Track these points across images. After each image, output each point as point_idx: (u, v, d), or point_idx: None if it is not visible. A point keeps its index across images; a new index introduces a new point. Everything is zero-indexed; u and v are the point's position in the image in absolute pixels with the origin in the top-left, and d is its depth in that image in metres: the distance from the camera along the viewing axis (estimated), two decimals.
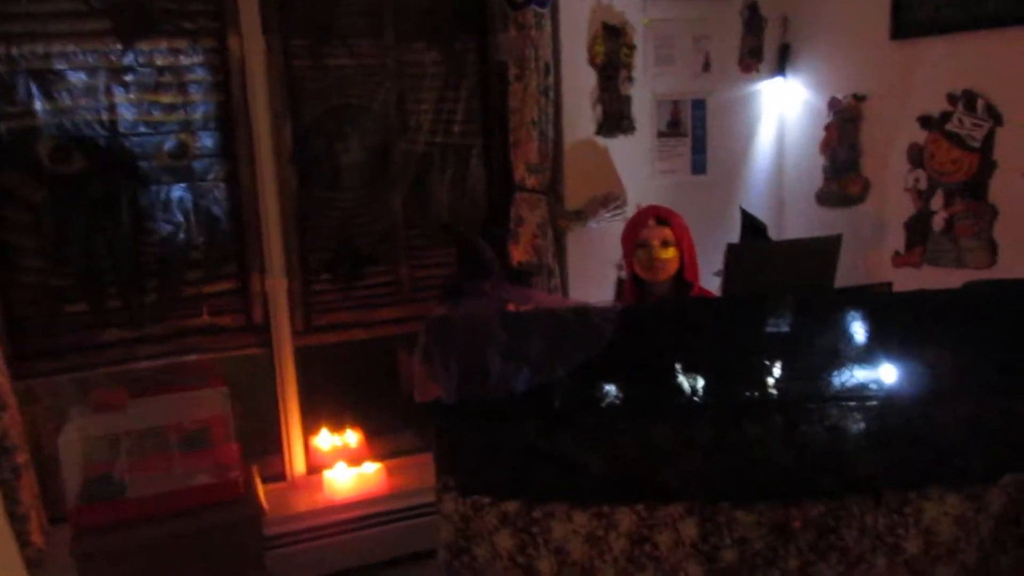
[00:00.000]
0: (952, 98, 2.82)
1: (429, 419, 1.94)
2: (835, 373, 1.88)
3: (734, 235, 3.27)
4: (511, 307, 1.93)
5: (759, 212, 3.36)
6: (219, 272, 3.01)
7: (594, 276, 3.24)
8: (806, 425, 1.91)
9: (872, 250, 3.19)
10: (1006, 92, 2.66)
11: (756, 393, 1.89)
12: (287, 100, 2.97)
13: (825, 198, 3.42)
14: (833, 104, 3.32)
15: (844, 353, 1.89)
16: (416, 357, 1.89)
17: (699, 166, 3.48)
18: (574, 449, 1.91)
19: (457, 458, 1.94)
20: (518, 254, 3.10)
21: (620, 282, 3.26)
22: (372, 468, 3.21)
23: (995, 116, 2.70)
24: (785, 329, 1.88)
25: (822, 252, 1.87)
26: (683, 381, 1.89)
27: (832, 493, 1.89)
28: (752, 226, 3.18)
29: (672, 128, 3.42)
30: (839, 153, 3.32)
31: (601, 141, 3.27)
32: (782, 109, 3.58)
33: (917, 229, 3.02)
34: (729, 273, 1.88)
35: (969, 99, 2.75)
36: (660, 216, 2.41)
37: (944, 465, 1.91)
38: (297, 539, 2.95)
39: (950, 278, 2.87)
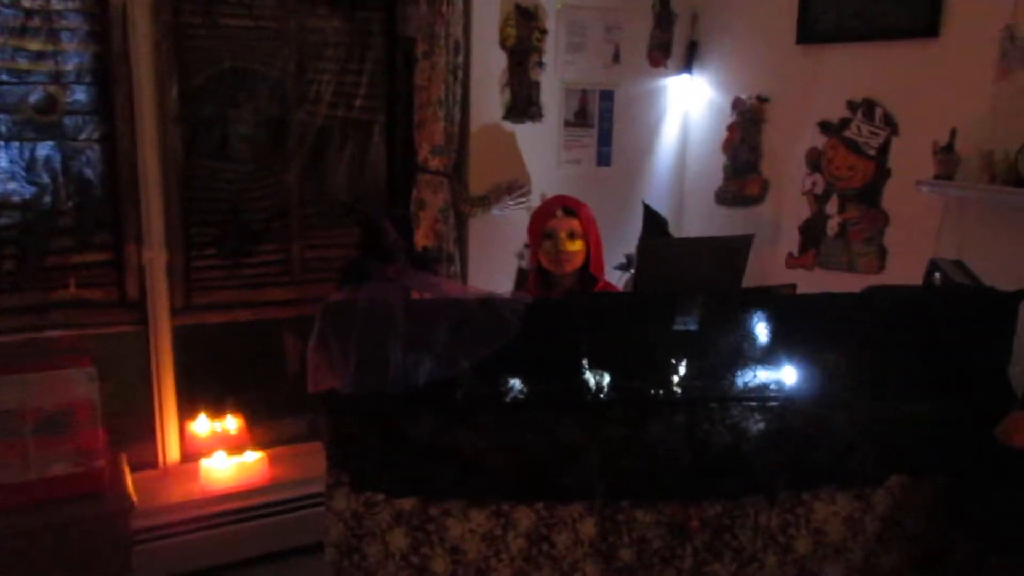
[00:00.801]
0: (852, 105, 2.90)
1: (322, 410, 1.81)
2: (738, 373, 1.89)
3: (636, 229, 3.28)
4: (414, 294, 1.82)
5: (660, 207, 3.39)
6: (90, 241, 2.77)
7: (495, 265, 3.20)
8: (708, 424, 1.91)
9: (767, 251, 3.25)
10: (903, 102, 2.75)
11: (661, 391, 1.88)
12: (174, 58, 2.75)
13: (724, 197, 3.46)
14: (737, 104, 3.36)
15: (748, 353, 1.90)
16: (311, 343, 1.77)
17: (604, 158, 3.46)
18: (475, 446, 1.85)
19: (351, 452, 1.83)
20: (419, 238, 2.99)
21: (520, 272, 3.22)
22: (253, 457, 3.04)
23: (892, 125, 2.78)
24: (693, 328, 1.87)
25: (733, 251, 1.87)
26: (590, 377, 1.85)
27: (730, 493, 1.90)
28: (654, 221, 3.21)
29: (579, 118, 3.38)
30: (740, 153, 3.37)
31: (508, 126, 3.21)
32: (687, 106, 3.60)
33: (811, 232, 3.09)
34: (640, 269, 1.84)
35: (868, 107, 2.83)
36: (568, 207, 2.36)
37: (836, 466, 1.95)
38: (169, 533, 2.76)
39: (840, 281, 2.97)
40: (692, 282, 1.87)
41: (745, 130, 3.33)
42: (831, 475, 1.93)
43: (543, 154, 3.30)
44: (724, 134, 3.43)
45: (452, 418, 1.83)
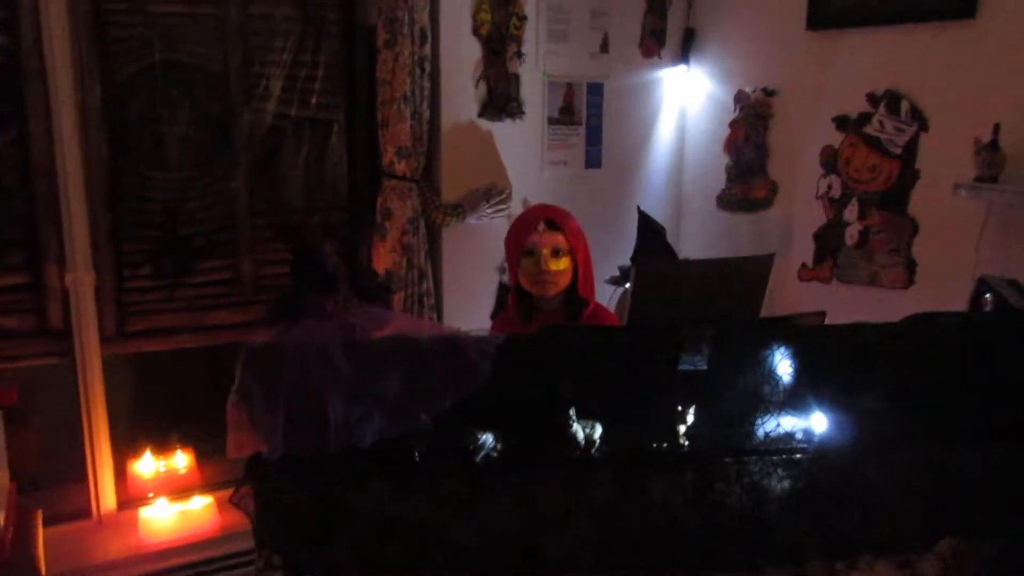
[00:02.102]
0: (873, 98, 2.65)
1: (245, 479, 1.49)
2: (758, 421, 1.61)
3: (629, 238, 3.08)
4: (361, 333, 1.51)
5: (656, 213, 3.19)
6: (1, 262, 2.43)
7: (473, 281, 2.99)
8: (721, 483, 1.62)
9: (777, 261, 2.93)
10: (933, 94, 2.49)
11: (665, 444, 1.60)
12: (96, 50, 2.43)
13: (727, 202, 3.25)
14: (740, 98, 3.14)
15: (770, 397, 1.61)
16: (230, 398, 1.45)
17: (593, 159, 3.25)
18: (437, 516, 1.56)
19: (283, 530, 1.52)
20: (383, 254, 2.69)
21: (502, 288, 2.94)
22: (201, 503, 2.71)
23: (920, 120, 2.53)
24: (702, 367, 1.58)
25: (748, 274, 1.57)
26: (577, 430, 1.57)
27: (748, 565, 1.63)
28: (649, 229, 3.02)
29: (564, 114, 3.16)
30: (745, 153, 3.14)
31: (484, 125, 2.98)
32: (685, 101, 3.39)
33: (828, 241, 2.85)
34: (637, 296, 1.53)
35: (892, 100, 2.57)
36: (552, 219, 2.06)
37: (875, 530, 1.69)
38: None
39: (862, 297, 2.69)
40: (700, 311, 1.56)
41: (750, 127, 3.11)
42: (869, 540, 1.65)
43: (524, 155, 3.09)
44: (726, 132, 3.22)
45: (408, 484, 1.54)
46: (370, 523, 1.52)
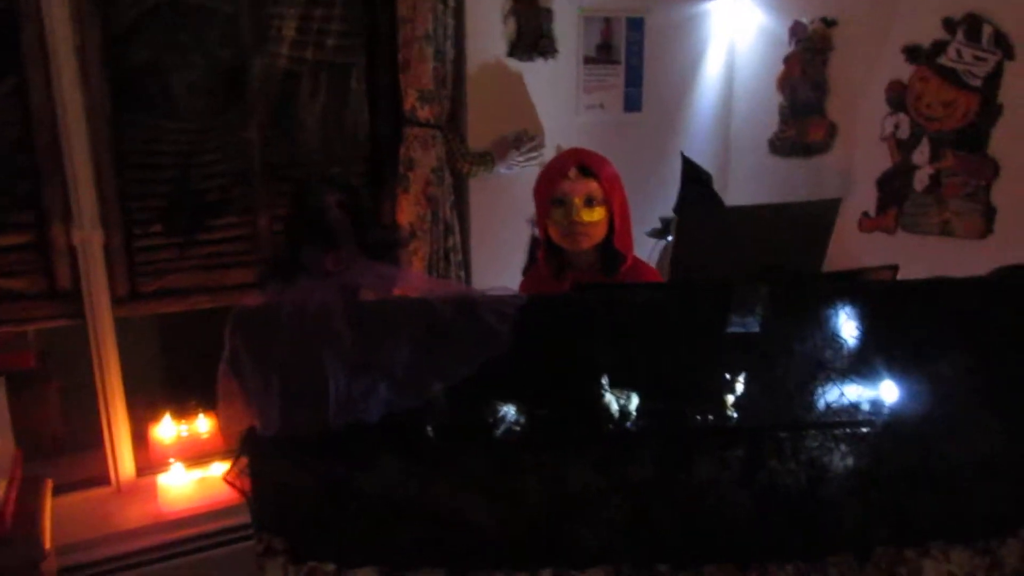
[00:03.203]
0: (949, 24, 2.40)
1: (241, 455, 1.37)
2: (819, 390, 1.46)
3: (672, 188, 2.91)
4: (365, 294, 1.36)
5: (702, 160, 3.00)
6: (5, 221, 2.32)
7: (502, 234, 2.84)
8: (776, 461, 1.47)
9: None
10: (1021, 16, 2.19)
11: (711, 417, 1.45)
12: None
13: (781, 145, 3.03)
14: (796, 30, 2.90)
15: (833, 363, 1.45)
16: (220, 367, 1.31)
17: (633, 102, 3.05)
18: (454, 498, 1.42)
19: (285, 512, 1.40)
20: (406, 207, 2.53)
21: (534, 242, 2.77)
22: (222, 469, 2.60)
23: (1005, 48, 2.29)
24: (755, 329, 1.42)
25: (810, 222, 1.38)
26: (611, 401, 1.42)
27: (806, 552, 1.49)
28: (694, 177, 2.86)
29: (602, 53, 2.96)
30: (801, 91, 2.92)
31: (514, 65, 2.80)
32: (734, 35, 3.16)
33: (893, 187, 2.62)
34: (680, 248, 1.35)
35: (972, 24, 2.33)
36: (585, 165, 1.88)
37: (951, 513, 1.52)
38: (115, 567, 2.35)
39: (932, 248, 2.46)
40: (753, 265, 1.40)
41: (807, 62, 2.87)
42: (944, 525, 1.51)
43: (558, 98, 2.90)
44: (780, 68, 2.98)
45: (421, 462, 1.41)
46: (380, 506, 1.40)
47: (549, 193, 1.89)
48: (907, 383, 1.44)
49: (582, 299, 1.43)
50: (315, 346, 1.29)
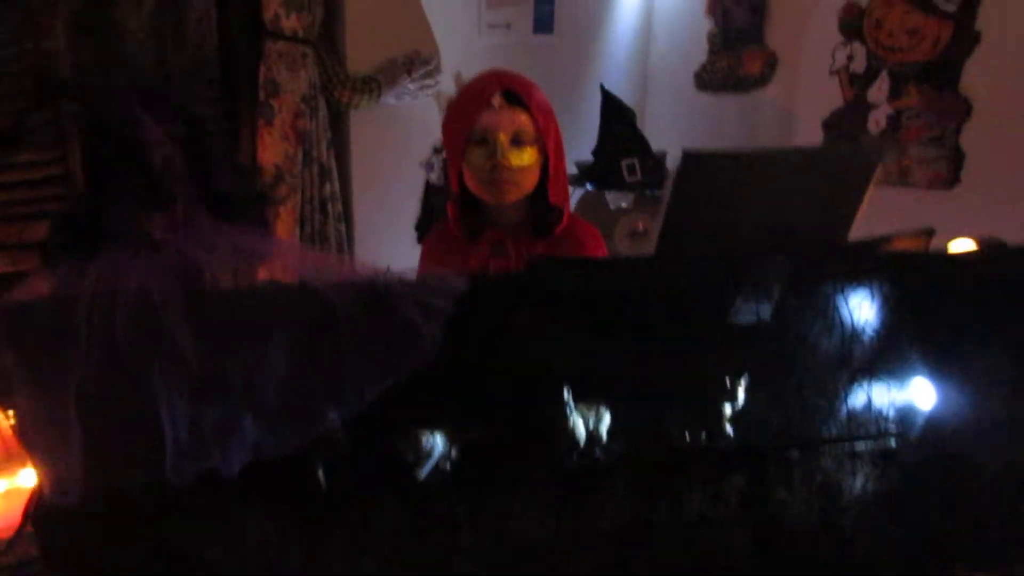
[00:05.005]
0: None
1: (25, 528, 0.92)
2: (839, 396, 1.17)
3: (588, 125, 2.66)
4: (215, 276, 0.93)
5: (619, 92, 2.73)
6: None
7: (390, 181, 2.51)
8: (784, 487, 1.18)
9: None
10: None
11: (703, 436, 1.14)
12: None
13: (710, 79, 2.79)
14: None
15: (856, 360, 1.16)
16: None
17: (544, 21, 2.81)
18: (355, 568, 1.03)
19: None
20: (270, 142, 2.07)
21: (429, 190, 2.41)
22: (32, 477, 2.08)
23: None
24: (763, 317, 1.11)
25: (845, 172, 1.07)
26: (576, 421, 1.08)
27: None
28: (616, 115, 2.59)
29: None
30: (735, 15, 2.67)
31: None
32: None
33: (843, 128, 2.41)
34: (676, 208, 1.00)
35: None
36: (512, 90, 1.51)
37: (996, 544, 1.28)
38: None
39: (888, 200, 2.22)
40: (764, 231, 1.08)
41: None
42: (987, 556, 1.28)
43: (456, 14, 2.69)
44: None
45: (308, 522, 1.02)
46: None
47: (466, 128, 1.49)
48: (949, 384, 1.16)
49: (536, 281, 1.03)
50: (137, 361, 0.87)
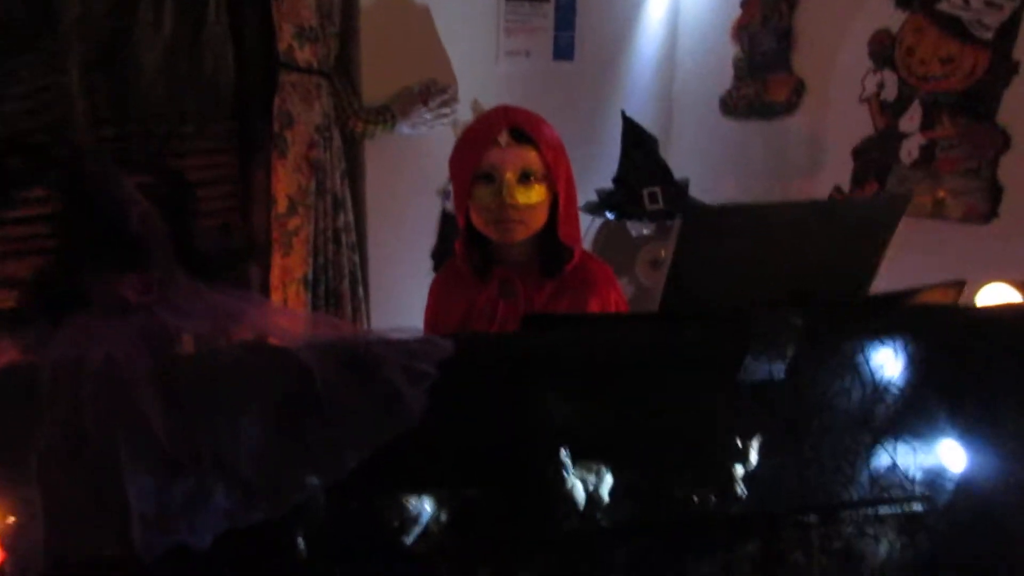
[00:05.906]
0: None
1: None
2: (861, 458, 1.12)
3: (610, 152, 2.63)
4: (188, 339, 0.90)
5: (642, 120, 2.71)
6: None
7: (407, 210, 2.52)
8: (801, 554, 1.12)
9: (798, 183, 2.59)
10: None
11: (713, 499, 1.09)
12: None
13: (735, 106, 2.78)
14: None
15: (880, 421, 1.11)
16: None
17: (564, 48, 2.77)
18: None
19: None
20: (284, 175, 2.07)
21: (446, 219, 2.44)
22: None
23: None
24: (776, 375, 1.06)
25: (864, 226, 1.03)
26: (575, 484, 1.04)
27: None
28: (638, 142, 2.57)
29: None
30: (761, 41, 2.66)
31: None
32: None
33: (873, 157, 2.35)
34: (681, 261, 0.97)
35: None
36: (519, 127, 1.49)
37: None
38: None
39: (922, 234, 2.18)
40: (779, 287, 1.04)
41: (769, 6, 2.61)
42: None
43: (474, 42, 2.66)
44: (736, 12, 2.74)
45: None
46: None
47: (472, 165, 1.48)
48: (981, 445, 1.10)
49: (533, 340, 0.99)
50: (102, 433, 0.84)
